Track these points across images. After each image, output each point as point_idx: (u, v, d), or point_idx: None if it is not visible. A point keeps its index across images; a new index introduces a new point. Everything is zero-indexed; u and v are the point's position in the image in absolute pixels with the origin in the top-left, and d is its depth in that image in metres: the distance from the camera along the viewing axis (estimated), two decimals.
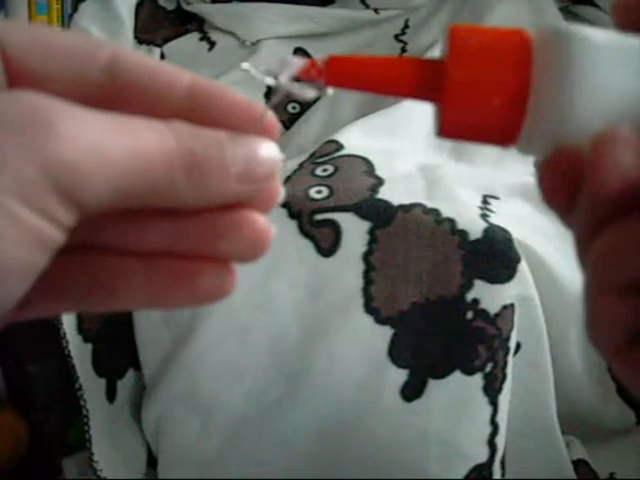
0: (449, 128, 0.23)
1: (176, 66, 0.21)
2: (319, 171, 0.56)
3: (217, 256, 0.22)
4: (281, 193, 0.22)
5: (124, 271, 0.21)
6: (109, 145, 0.18)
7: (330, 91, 0.22)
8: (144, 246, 0.21)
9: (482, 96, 0.22)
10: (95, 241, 0.21)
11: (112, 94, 0.20)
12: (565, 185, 0.22)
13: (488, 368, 0.50)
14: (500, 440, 0.51)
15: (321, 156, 0.59)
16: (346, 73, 0.23)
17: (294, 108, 0.81)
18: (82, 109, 0.18)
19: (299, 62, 0.22)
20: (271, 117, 0.21)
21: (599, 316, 0.22)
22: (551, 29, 0.22)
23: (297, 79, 0.22)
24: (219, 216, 0.21)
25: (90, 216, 0.18)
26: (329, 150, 0.60)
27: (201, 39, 0.89)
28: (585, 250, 0.22)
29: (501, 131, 0.22)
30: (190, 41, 0.89)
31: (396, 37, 0.87)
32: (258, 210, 0.21)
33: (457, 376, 0.50)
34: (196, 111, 0.20)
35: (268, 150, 0.21)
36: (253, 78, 0.21)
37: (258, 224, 0.21)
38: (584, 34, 0.21)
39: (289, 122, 0.79)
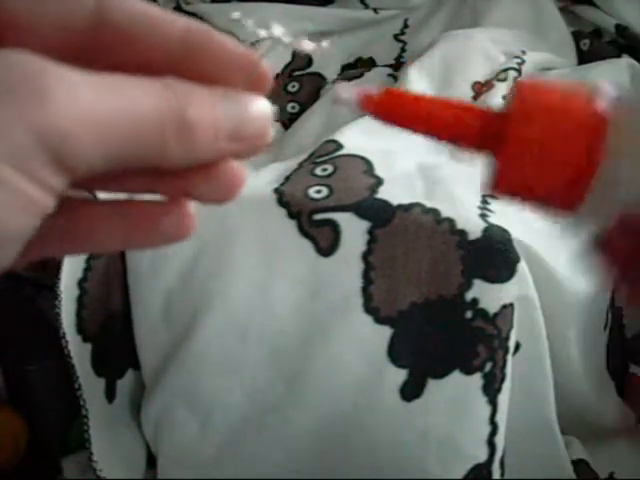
0: (504, 184, 0.22)
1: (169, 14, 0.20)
2: (318, 171, 0.56)
3: (186, 194, 0.22)
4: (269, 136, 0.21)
5: (102, 215, 0.22)
6: (102, 110, 0.17)
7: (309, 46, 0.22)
8: (123, 193, 0.22)
9: (545, 159, 0.21)
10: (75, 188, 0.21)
11: (101, 40, 0.20)
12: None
13: (487, 368, 0.50)
14: (499, 440, 0.51)
15: (320, 156, 0.59)
16: (402, 112, 0.23)
17: (293, 108, 0.81)
18: (75, 71, 0.17)
19: (351, 92, 0.23)
20: (265, 66, 0.21)
21: None
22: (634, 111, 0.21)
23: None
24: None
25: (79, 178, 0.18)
26: (328, 150, 0.60)
27: None
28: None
29: (559, 198, 0.21)
30: None
31: (395, 37, 0.87)
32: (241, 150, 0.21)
33: (456, 376, 0.50)
34: (190, 59, 0.20)
35: (260, 108, 0.21)
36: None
37: (230, 166, 0.21)
38: None
39: (289, 122, 0.79)
